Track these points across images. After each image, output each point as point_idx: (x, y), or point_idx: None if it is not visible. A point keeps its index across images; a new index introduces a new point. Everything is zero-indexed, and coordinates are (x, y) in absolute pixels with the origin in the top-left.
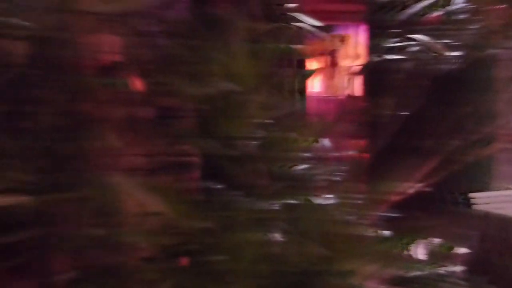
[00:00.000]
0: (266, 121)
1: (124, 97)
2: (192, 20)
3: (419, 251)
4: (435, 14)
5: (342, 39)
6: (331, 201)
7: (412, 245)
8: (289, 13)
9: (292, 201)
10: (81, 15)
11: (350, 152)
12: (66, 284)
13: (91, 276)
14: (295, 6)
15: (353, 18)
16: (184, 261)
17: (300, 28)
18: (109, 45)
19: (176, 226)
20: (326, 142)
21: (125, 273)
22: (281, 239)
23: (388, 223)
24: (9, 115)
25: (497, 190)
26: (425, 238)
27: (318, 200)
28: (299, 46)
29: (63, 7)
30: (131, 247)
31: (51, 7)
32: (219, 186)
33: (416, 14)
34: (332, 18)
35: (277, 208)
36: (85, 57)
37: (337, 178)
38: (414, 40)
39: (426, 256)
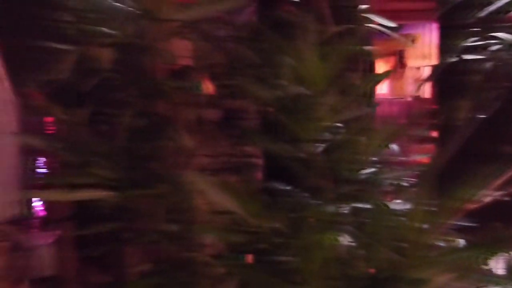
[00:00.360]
0: (335, 124)
1: (197, 100)
2: (260, 23)
3: (498, 265)
4: None
5: (412, 39)
6: (402, 207)
7: (491, 258)
8: (359, 14)
9: (360, 205)
10: (160, 22)
11: (420, 157)
12: (140, 276)
13: (163, 269)
14: (365, 6)
15: (424, 17)
16: (251, 259)
17: (370, 28)
18: (183, 50)
19: (246, 225)
20: (395, 146)
21: (195, 268)
22: (351, 243)
23: (464, 233)
24: (95, 116)
25: None
26: (505, 251)
27: (389, 205)
28: (369, 47)
29: (144, 15)
30: (202, 243)
31: (134, 16)
32: (286, 188)
33: (497, 11)
34: (402, 17)
35: (345, 211)
36: (162, 61)
37: (406, 184)
38: (494, 38)
39: (506, 271)
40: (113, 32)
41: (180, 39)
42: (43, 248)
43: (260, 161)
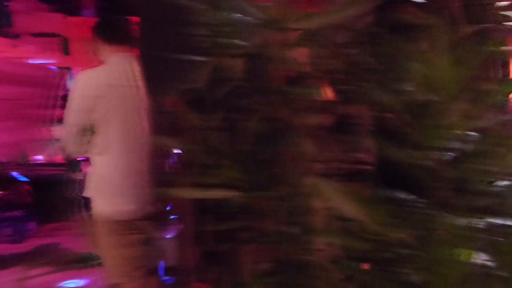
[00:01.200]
0: (466, 132)
1: (318, 106)
2: (379, 26)
3: None
4: None
5: None
6: None
7: None
8: (496, 11)
9: (495, 220)
10: (285, 32)
11: None
12: (258, 274)
13: (281, 270)
14: (504, 3)
15: None
16: (368, 267)
17: (509, 27)
18: (305, 57)
19: (369, 232)
20: None
21: (312, 271)
22: (486, 261)
23: None
24: (224, 122)
25: None
26: None
27: None
28: (506, 49)
29: (271, 26)
30: (320, 246)
31: (261, 27)
32: (409, 197)
33: None
34: None
35: (479, 226)
36: (285, 69)
37: None
38: None
39: None
40: (242, 43)
41: (304, 46)
42: (168, 240)
43: (373, 168)
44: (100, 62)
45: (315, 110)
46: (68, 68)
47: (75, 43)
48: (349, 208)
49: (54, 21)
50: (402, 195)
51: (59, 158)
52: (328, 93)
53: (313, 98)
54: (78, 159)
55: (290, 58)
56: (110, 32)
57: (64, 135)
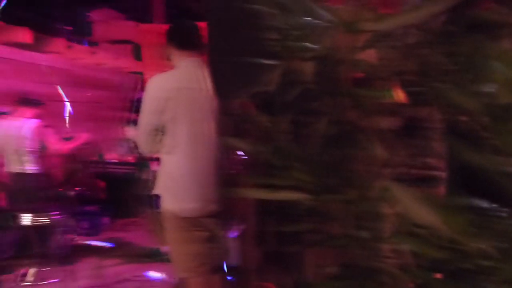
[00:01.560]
0: None
1: (389, 108)
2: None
3: None
4: None
5: None
6: None
7: None
8: None
9: None
10: (357, 34)
11: None
12: (324, 278)
13: (348, 274)
14: None
15: None
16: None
17: None
18: (375, 58)
19: (446, 241)
20: None
21: (381, 278)
22: None
23: None
24: (293, 124)
25: None
26: None
27: None
28: None
29: (342, 28)
30: (391, 253)
31: (331, 30)
32: (490, 205)
33: None
34: None
35: None
36: (356, 71)
37: None
38: None
39: None
40: (313, 46)
41: (375, 48)
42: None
43: (446, 174)
44: (171, 67)
45: (385, 112)
46: (141, 73)
47: (146, 49)
48: (423, 214)
49: (128, 29)
50: (482, 203)
51: (130, 157)
52: (399, 95)
53: (384, 100)
54: (149, 158)
55: (361, 60)
56: (181, 38)
57: (138, 135)
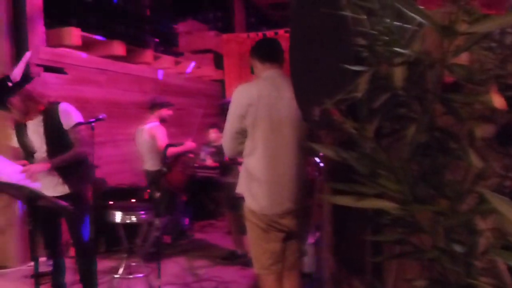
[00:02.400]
0: None
1: (486, 114)
2: None
3: None
4: None
5: None
6: None
7: None
8: None
9: None
10: (453, 37)
11: None
12: None
13: None
14: None
15: None
16: None
17: None
18: (470, 62)
19: None
20: None
21: None
22: None
23: None
24: (381, 131)
25: None
26: None
27: None
28: None
29: (437, 31)
30: (486, 269)
31: (424, 33)
32: None
33: None
34: None
35: None
36: (450, 75)
37: None
38: None
39: None
40: (403, 51)
41: (468, 51)
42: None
43: None
44: (253, 77)
45: (482, 119)
46: (222, 81)
47: (227, 58)
48: None
49: (210, 39)
50: None
51: (210, 161)
52: (497, 101)
53: (480, 106)
54: (233, 161)
55: (455, 64)
56: (263, 52)
57: (223, 138)
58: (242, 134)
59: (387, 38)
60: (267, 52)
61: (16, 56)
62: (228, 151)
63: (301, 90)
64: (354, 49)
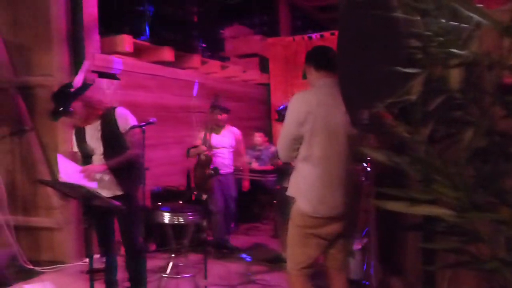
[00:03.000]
0: None
1: None
2: None
3: None
4: None
5: None
6: None
7: None
8: None
9: None
10: None
11: None
12: None
13: None
14: None
15: None
16: None
17: None
18: None
19: None
20: None
21: None
22: None
23: None
24: (436, 135)
25: None
26: None
27: None
28: None
29: (500, 30)
30: None
31: (483, 33)
32: None
33: None
34: None
35: None
36: (510, 77)
37: None
38: None
39: None
40: (460, 52)
41: None
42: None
43: None
44: (300, 80)
45: None
46: (267, 85)
47: (273, 62)
48: None
49: (255, 43)
50: None
51: (255, 164)
52: None
53: None
54: (286, 165)
55: None
56: (318, 60)
57: (279, 143)
58: (298, 140)
59: (442, 39)
60: (322, 61)
61: (74, 64)
62: (283, 156)
63: (349, 93)
64: (407, 51)
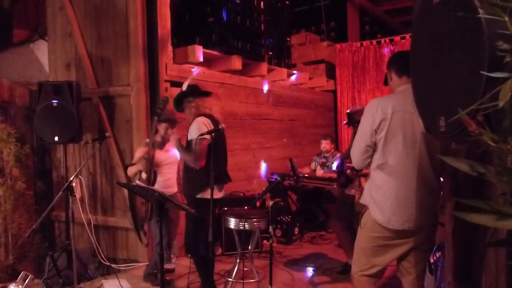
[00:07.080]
0: None
1: None
2: None
3: None
4: None
5: None
6: None
7: None
8: None
9: None
10: None
11: None
12: None
13: None
14: None
15: None
16: None
17: None
18: None
19: None
20: None
21: None
22: None
23: None
24: None
25: None
26: None
27: None
28: None
29: None
30: None
31: None
32: None
33: None
34: None
35: None
36: None
37: None
38: None
39: None
40: None
41: None
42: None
43: None
44: (368, 86)
45: None
46: (334, 91)
47: (339, 68)
48: None
49: (322, 49)
50: None
51: (321, 172)
52: None
53: None
54: (355, 173)
55: None
56: (399, 66)
57: (353, 150)
58: (371, 147)
59: None
60: (404, 66)
61: (149, 73)
62: (356, 163)
63: (424, 99)
64: (492, 53)
